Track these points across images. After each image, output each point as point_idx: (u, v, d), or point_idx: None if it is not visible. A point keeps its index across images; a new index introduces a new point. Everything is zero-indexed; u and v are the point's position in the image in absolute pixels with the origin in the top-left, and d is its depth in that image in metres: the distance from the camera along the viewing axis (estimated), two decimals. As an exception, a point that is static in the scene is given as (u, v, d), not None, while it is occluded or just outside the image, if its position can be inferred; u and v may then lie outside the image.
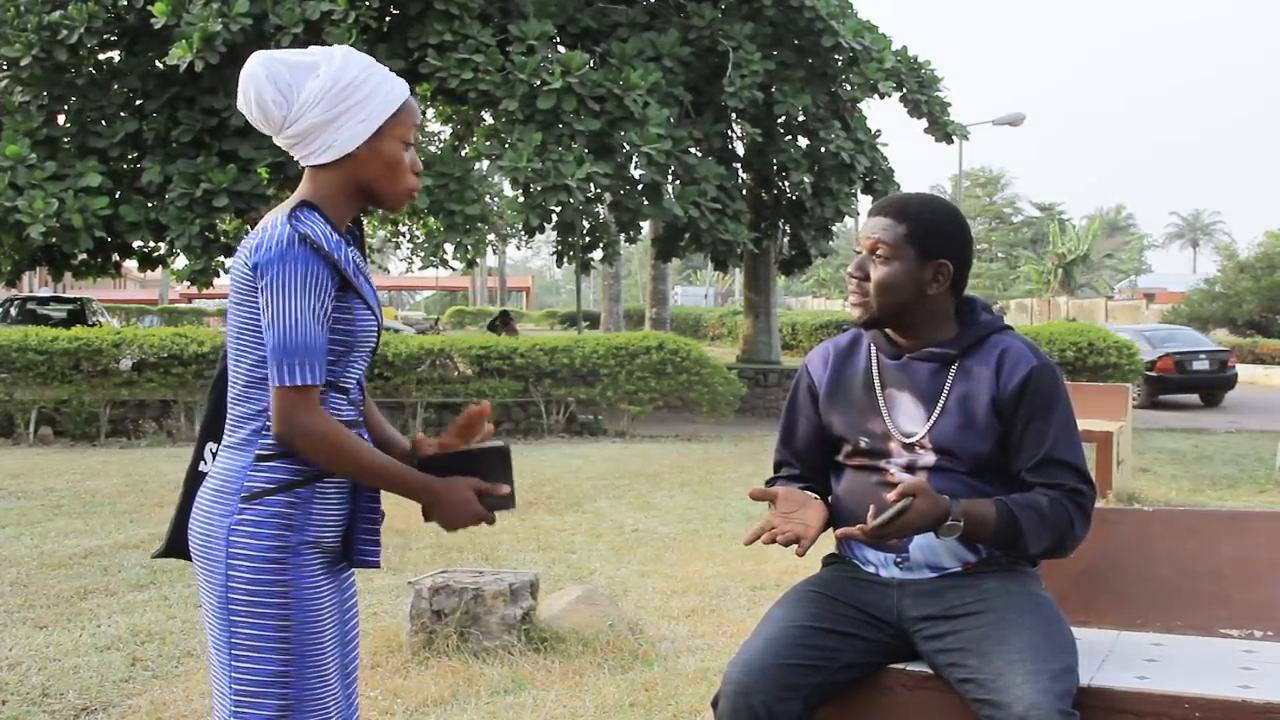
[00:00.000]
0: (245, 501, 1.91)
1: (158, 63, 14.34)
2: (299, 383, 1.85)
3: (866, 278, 2.28)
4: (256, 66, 1.94)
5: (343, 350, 1.96)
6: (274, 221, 1.91)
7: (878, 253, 2.27)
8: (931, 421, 2.27)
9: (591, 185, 13.90)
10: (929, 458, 2.27)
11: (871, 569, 2.33)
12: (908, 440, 2.28)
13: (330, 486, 1.98)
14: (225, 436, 1.99)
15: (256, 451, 1.93)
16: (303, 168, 2.02)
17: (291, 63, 1.95)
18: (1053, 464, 2.23)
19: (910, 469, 2.27)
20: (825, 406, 2.41)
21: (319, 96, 1.92)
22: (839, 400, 2.39)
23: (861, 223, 2.39)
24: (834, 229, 18.34)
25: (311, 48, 2.03)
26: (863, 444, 2.33)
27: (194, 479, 2.07)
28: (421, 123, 2.07)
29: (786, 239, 18.02)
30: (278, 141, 2.00)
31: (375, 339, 2.03)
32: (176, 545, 2.10)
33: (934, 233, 2.27)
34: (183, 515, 2.07)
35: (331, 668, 2.00)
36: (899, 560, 2.28)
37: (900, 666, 2.25)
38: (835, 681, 2.21)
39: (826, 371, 2.43)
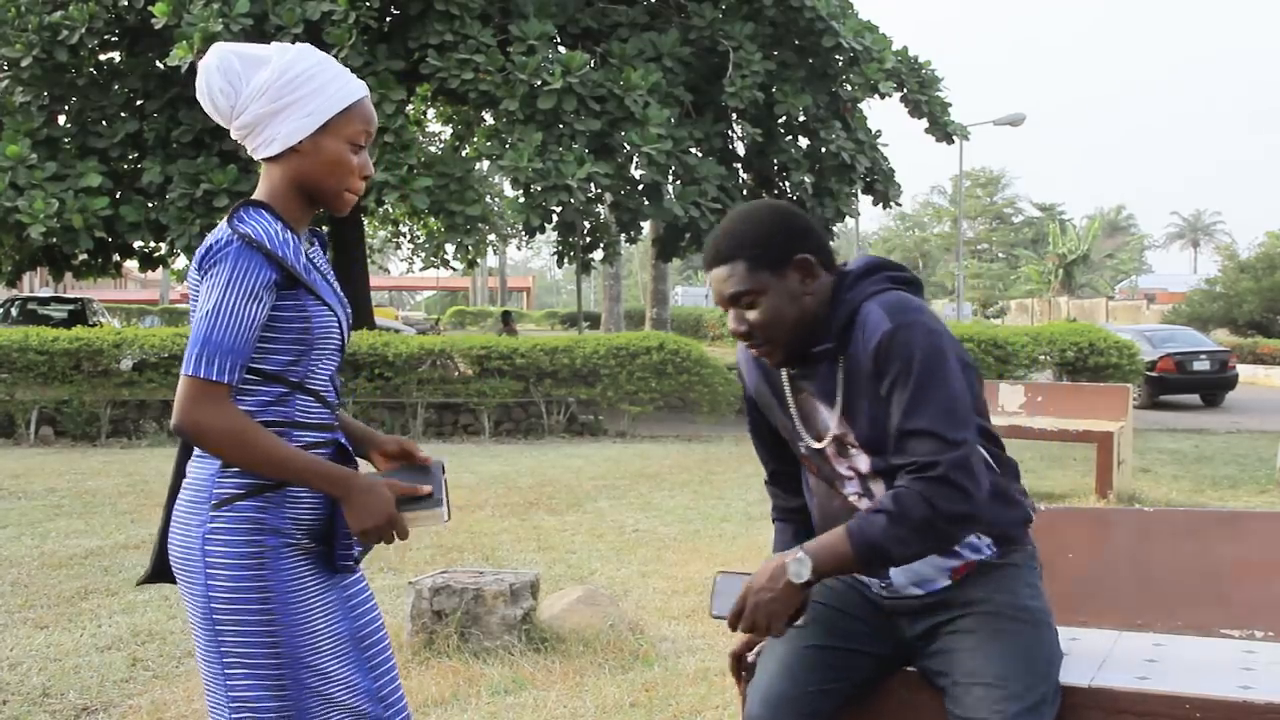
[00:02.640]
0: (216, 509, 1.90)
1: (158, 63, 14.36)
2: (204, 375, 1.83)
3: (752, 328, 2.10)
4: (210, 57, 1.97)
5: (302, 349, 1.95)
6: (220, 225, 1.94)
7: (742, 303, 2.09)
8: (843, 421, 2.10)
9: (592, 185, 13.90)
10: (863, 459, 2.11)
11: (862, 585, 2.23)
12: (831, 444, 2.13)
13: (304, 489, 1.95)
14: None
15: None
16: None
17: (244, 55, 1.97)
18: (905, 437, 1.97)
19: (859, 475, 2.12)
20: (764, 412, 2.30)
21: (264, 88, 1.94)
22: (768, 407, 2.27)
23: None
24: (834, 229, 18.35)
25: (273, 43, 2.03)
26: (801, 450, 2.21)
27: (174, 501, 2.04)
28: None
29: (787, 239, 18.02)
30: (232, 134, 2.01)
31: (339, 338, 2.01)
32: (160, 569, 2.06)
33: (767, 242, 2.07)
34: (164, 539, 2.03)
35: (332, 667, 1.96)
36: (884, 585, 2.17)
37: (911, 669, 2.21)
38: (852, 698, 2.16)
39: (750, 379, 2.31)
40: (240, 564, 1.89)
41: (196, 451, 1.96)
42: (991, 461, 2.13)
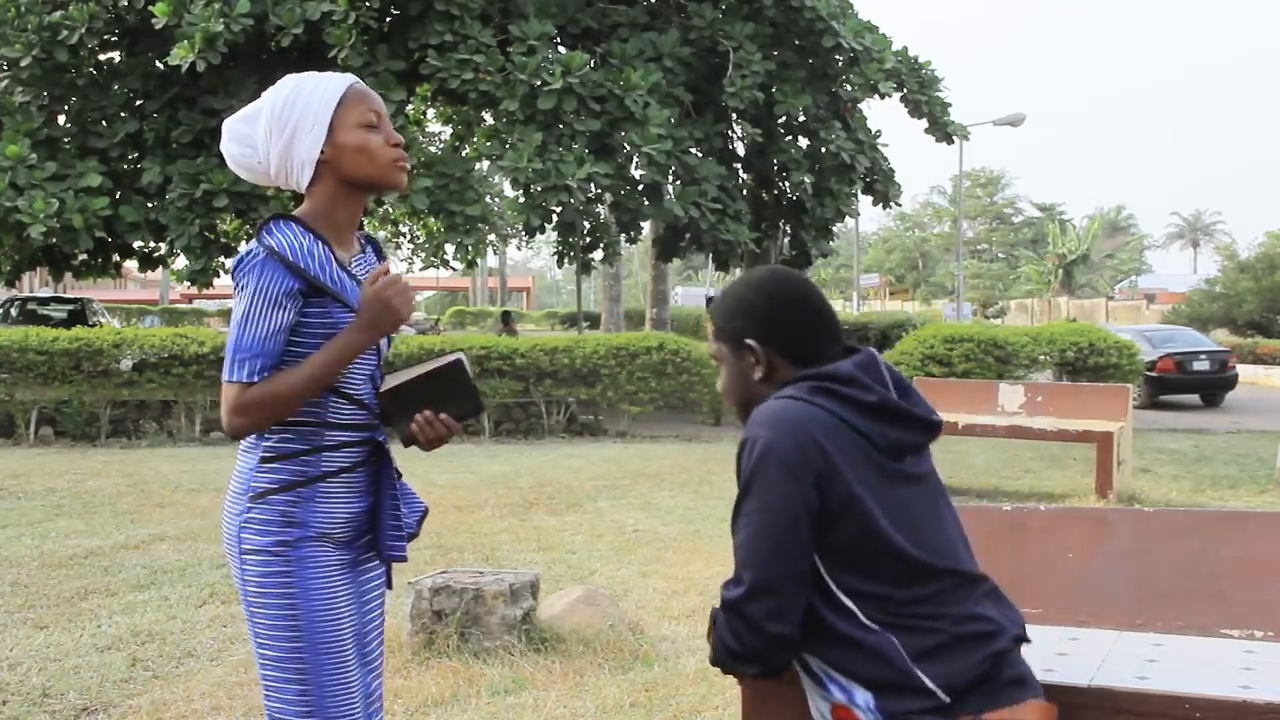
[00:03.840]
0: (252, 501, 2.05)
1: (158, 63, 14.33)
2: (238, 379, 1.98)
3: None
4: (223, 137, 2.14)
5: None
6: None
7: (715, 361, 2.08)
8: None
9: (592, 185, 13.89)
10: None
11: None
12: None
13: (337, 485, 2.09)
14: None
15: (260, 454, 2.06)
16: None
17: (244, 116, 2.13)
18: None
19: None
20: None
21: (269, 128, 2.08)
22: None
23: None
24: (834, 229, 18.34)
25: (264, 91, 2.14)
26: None
27: None
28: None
29: (787, 239, 18.03)
30: (281, 186, 2.15)
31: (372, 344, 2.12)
32: None
33: (728, 317, 2.02)
34: None
35: (349, 656, 2.10)
36: None
37: None
38: None
39: None
40: (269, 554, 2.03)
41: (241, 444, 2.11)
42: (894, 642, 1.85)
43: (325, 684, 2.06)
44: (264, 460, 2.05)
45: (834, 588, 1.88)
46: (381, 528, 2.13)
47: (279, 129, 2.06)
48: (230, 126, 2.12)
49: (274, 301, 1.99)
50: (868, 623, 1.87)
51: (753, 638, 1.86)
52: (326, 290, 2.04)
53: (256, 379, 1.98)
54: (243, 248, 2.07)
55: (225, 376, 2.00)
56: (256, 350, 1.98)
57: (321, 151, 2.06)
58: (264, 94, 2.12)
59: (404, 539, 2.16)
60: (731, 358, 2.03)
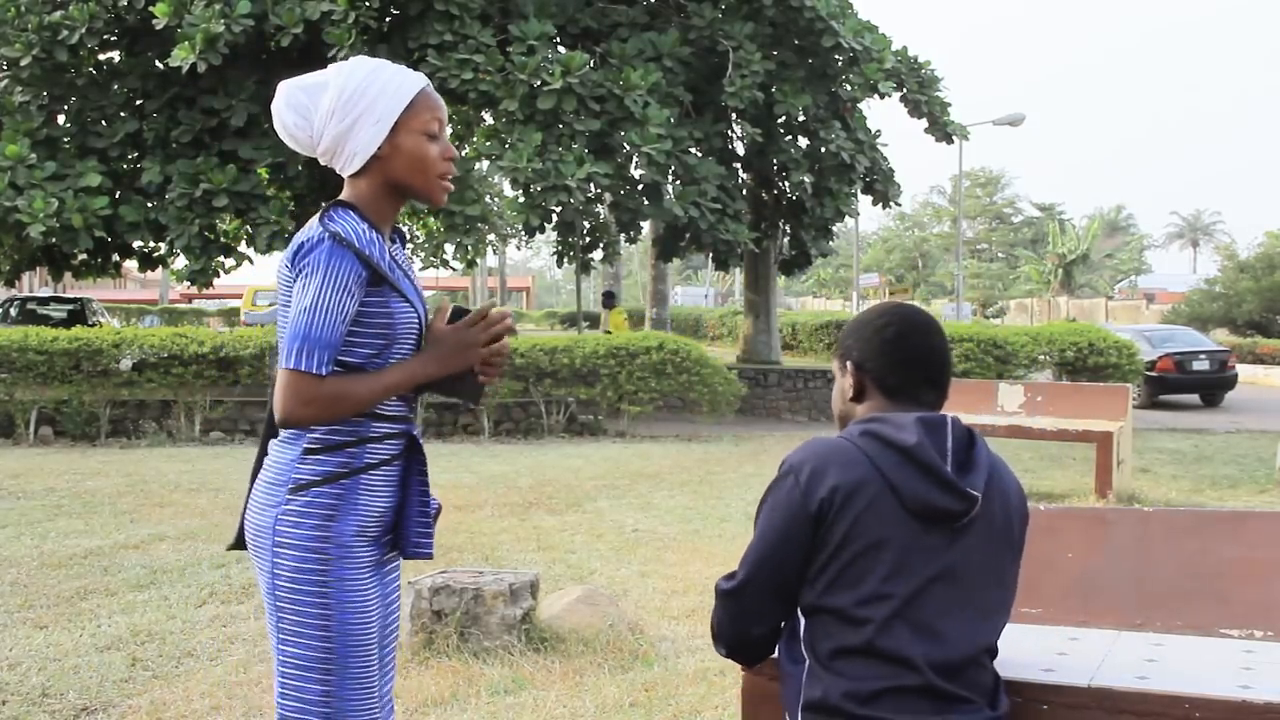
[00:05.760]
0: (292, 493, 1.99)
1: (158, 63, 14.34)
2: (304, 369, 1.92)
3: None
4: (278, 98, 2.07)
5: (383, 344, 2.03)
6: (310, 223, 2.02)
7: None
8: None
9: (591, 185, 13.90)
10: None
11: None
12: None
13: (377, 478, 2.04)
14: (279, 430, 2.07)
15: (304, 445, 2.01)
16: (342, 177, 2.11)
17: (306, 85, 2.07)
18: None
19: None
20: None
21: (331, 109, 2.03)
22: None
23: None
24: (834, 229, 18.35)
25: (330, 65, 2.10)
26: None
27: (259, 472, 2.13)
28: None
29: (787, 239, 18.03)
30: (322, 161, 2.10)
31: (418, 332, 2.09)
32: (244, 538, 2.15)
33: (847, 334, 2.11)
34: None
35: (374, 658, 2.05)
36: None
37: None
38: None
39: None
40: (307, 549, 1.98)
41: (281, 434, 2.05)
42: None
43: (349, 686, 2.00)
44: (308, 451, 1.99)
45: (799, 605, 1.96)
46: (408, 523, 2.07)
47: (342, 113, 2.01)
48: (289, 93, 2.06)
49: (344, 288, 1.94)
50: (803, 650, 1.92)
51: (722, 628, 2.05)
52: (386, 279, 2.01)
53: (325, 370, 1.93)
54: (303, 233, 2.00)
55: (291, 364, 1.92)
56: (328, 340, 1.93)
57: (379, 148, 2.03)
58: (333, 68, 2.07)
59: (431, 536, 2.10)
60: (838, 373, 2.13)
